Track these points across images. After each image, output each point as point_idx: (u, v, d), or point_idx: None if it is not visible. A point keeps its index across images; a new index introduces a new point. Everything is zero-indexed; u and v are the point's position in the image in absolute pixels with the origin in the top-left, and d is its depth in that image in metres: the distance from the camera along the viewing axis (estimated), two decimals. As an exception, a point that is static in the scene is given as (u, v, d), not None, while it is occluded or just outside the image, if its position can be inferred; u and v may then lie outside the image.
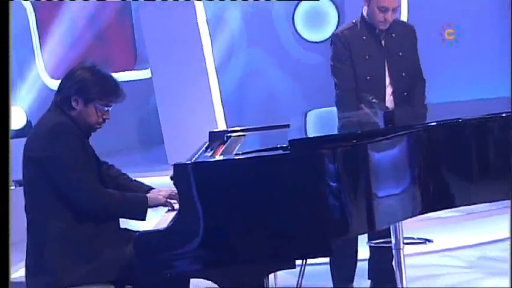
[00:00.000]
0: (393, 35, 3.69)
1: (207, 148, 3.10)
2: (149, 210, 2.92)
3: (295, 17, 7.32)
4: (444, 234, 4.69)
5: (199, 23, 6.10)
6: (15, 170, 2.74)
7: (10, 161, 2.51)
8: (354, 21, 3.77)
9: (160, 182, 3.48)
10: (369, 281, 3.95)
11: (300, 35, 7.33)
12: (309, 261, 3.00)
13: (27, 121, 6.52)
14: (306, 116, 3.48)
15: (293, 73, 7.15)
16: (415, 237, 3.72)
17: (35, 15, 7.41)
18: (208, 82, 6.15)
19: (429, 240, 3.77)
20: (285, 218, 2.46)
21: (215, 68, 6.25)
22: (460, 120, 2.82)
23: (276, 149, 2.58)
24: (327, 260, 3.75)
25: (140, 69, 7.84)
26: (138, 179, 3.18)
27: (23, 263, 2.86)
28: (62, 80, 2.90)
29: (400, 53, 3.68)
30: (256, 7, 7.07)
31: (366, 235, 3.73)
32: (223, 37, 6.85)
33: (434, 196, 2.78)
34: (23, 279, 2.87)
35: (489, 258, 4.48)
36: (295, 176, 2.47)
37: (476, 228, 4.90)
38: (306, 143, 2.57)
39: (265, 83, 7.14)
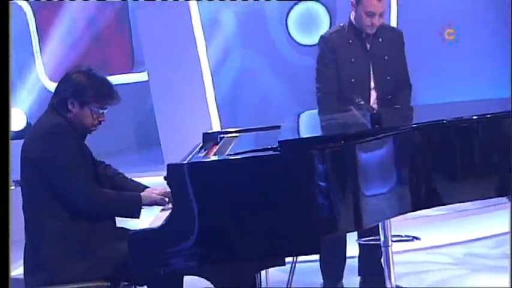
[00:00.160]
0: (380, 39, 3.69)
1: (200, 149, 3.11)
2: (146, 209, 2.94)
3: (288, 21, 7.32)
4: (431, 231, 4.69)
5: (194, 26, 6.10)
6: (15, 170, 2.75)
7: (10, 161, 2.52)
8: (341, 24, 3.78)
9: (157, 181, 3.48)
10: (359, 278, 3.96)
11: (293, 38, 7.34)
12: (300, 258, 3.03)
13: (27, 123, 6.52)
14: (298, 117, 3.50)
15: (286, 75, 7.16)
16: (403, 234, 3.74)
17: (35, 19, 7.41)
18: (203, 85, 6.16)
19: (417, 238, 3.79)
20: (275, 216, 2.47)
21: (210, 71, 6.26)
22: (445, 122, 2.83)
23: (267, 149, 2.59)
24: (317, 257, 3.76)
25: (137, 72, 7.84)
26: (136, 179, 3.19)
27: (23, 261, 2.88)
28: (58, 83, 2.91)
29: (386, 57, 3.68)
30: (250, 10, 7.07)
31: (355, 233, 3.75)
32: (217, 40, 6.86)
33: (421, 195, 2.79)
34: (23, 276, 2.89)
35: (475, 255, 4.49)
36: (285, 176, 2.48)
37: (463, 226, 4.90)
38: (295, 144, 2.57)
39: (259, 86, 7.15)
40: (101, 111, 2.86)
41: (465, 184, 2.85)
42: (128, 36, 8.30)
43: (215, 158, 2.76)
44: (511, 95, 5.54)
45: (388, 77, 3.67)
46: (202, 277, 2.54)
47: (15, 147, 2.77)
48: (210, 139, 3.25)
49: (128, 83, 7.80)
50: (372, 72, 3.68)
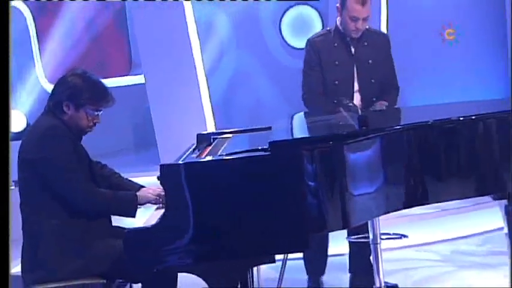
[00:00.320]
0: (365, 43, 3.70)
1: (194, 149, 3.12)
2: (142, 208, 2.94)
3: (282, 25, 7.33)
4: (419, 229, 4.70)
5: (189, 30, 6.11)
6: (15, 170, 2.77)
7: (10, 162, 2.52)
8: (328, 28, 3.81)
9: (154, 181, 3.49)
10: (349, 275, 3.96)
11: (286, 41, 7.35)
12: (290, 256, 3.04)
13: (26, 124, 6.51)
14: (291, 119, 3.51)
15: (279, 78, 7.16)
16: (391, 233, 3.76)
17: (35, 23, 7.41)
18: (198, 87, 6.16)
19: (404, 236, 3.81)
20: (266, 215, 2.47)
21: (205, 74, 6.26)
22: (430, 123, 2.84)
23: (258, 150, 2.60)
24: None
25: (135, 75, 7.85)
26: (134, 179, 3.19)
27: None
28: (54, 86, 2.92)
29: (370, 61, 3.69)
30: (245, 14, 7.08)
31: (345, 231, 3.76)
32: (212, 44, 6.86)
33: (407, 194, 2.80)
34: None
35: (462, 252, 4.49)
36: (275, 176, 2.48)
37: (450, 224, 4.91)
38: (285, 145, 2.58)
39: (252, 88, 7.16)
40: (96, 113, 2.87)
41: (450, 183, 2.86)
42: (125, 39, 8.31)
43: (207, 158, 2.76)
44: (511, 94, 5.55)
45: (372, 80, 3.68)
46: (194, 274, 2.54)
47: (15, 148, 2.77)
48: (203, 140, 3.25)
49: (126, 86, 7.82)
50: (356, 75, 3.69)
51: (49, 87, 7.18)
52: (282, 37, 7.33)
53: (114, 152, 7.33)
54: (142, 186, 3.07)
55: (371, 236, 3.50)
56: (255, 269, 3.03)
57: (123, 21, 8.22)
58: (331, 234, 2.82)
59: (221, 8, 6.83)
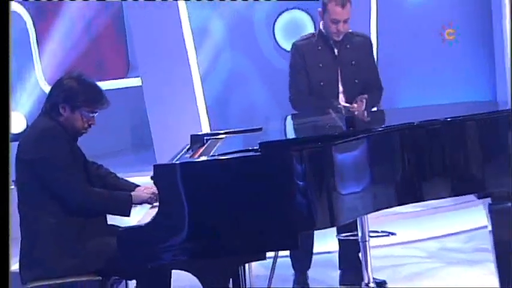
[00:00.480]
0: (348, 45, 3.72)
1: (188, 150, 3.12)
2: (139, 207, 2.94)
3: (275, 28, 7.34)
4: (407, 227, 4.71)
5: (184, 34, 6.12)
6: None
7: (10, 162, 2.53)
8: (312, 32, 3.83)
9: (151, 181, 3.49)
10: (339, 271, 3.97)
11: (279, 45, 7.35)
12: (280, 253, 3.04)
13: (26, 125, 6.50)
14: (283, 120, 3.52)
15: (273, 80, 7.15)
16: (380, 230, 3.77)
17: (34, 27, 7.40)
18: (193, 89, 6.17)
19: (392, 233, 3.82)
20: (256, 214, 2.47)
21: (200, 77, 6.27)
22: (415, 124, 2.85)
23: (248, 150, 2.60)
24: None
25: (133, 77, 7.84)
26: (133, 178, 3.19)
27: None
28: (51, 88, 2.92)
29: (353, 62, 3.70)
30: (239, 18, 7.08)
31: (333, 229, 3.77)
32: (207, 47, 6.86)
33: (393, 193, 2.81)
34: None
35: (448, 249, 4.50)
36: (265, 176, 2.49)
37: (437, 222, 4.92)
38: (274, 145, 2.58)
39: (246, 90, 7.15)
40: (91, 115, 2.87)
41: (434, 183, 2.87)
42: (123, 42, 8.31)
43: (199, 158, 2.77)
44: (511, 94, 5.54)
45: (356, 81, 3.70)
46: (187, 271, 2.54)
47: (15, 149, 2.78)
48: (197, 141, 3.26)
49: (124, 88, 7.82)
50: (340, 76, 3.71)
51: (48, 89, 7.17)
52: (276, 40, 7.34)
53: (114, 152, 7.34)
54: (138, 186, 3.07)
55: (360, 234, 3.51)
56: (246, 266, 3.03)
57: (121, 24, 8.22)
58: (319, 232, 2.82)
59: (216, 11, 6.82)
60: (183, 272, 2.56)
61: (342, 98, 3.69)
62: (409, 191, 2.83)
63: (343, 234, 3.73)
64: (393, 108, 4.07)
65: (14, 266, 3.25)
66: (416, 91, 6.32)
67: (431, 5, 6.54)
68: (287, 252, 3.76)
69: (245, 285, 2.91)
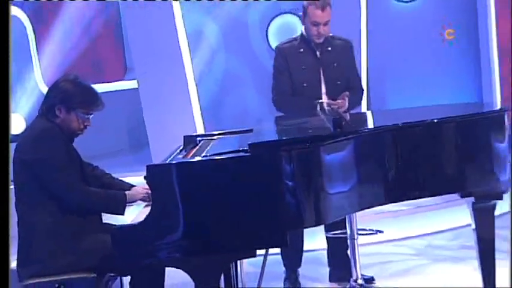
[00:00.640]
0: (329, 48, 3.74)
1: (181, 151, 3.13)
2: (134, 205, 2.95)
3: (268, 33, 7.35)
4: (394, 225, 4.72)
5: (179, 38, 6.12)
6: (14, 171, 2.77)
7: (10, 162, 2.54)
8: (295, 36, 3.83)
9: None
10: (328, 269, 3.98)
11: (272, 48, 7.35)
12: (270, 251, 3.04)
13: (26, 126, 6.48)
14: (275, 121, 3.54)
15: (266, 82, 7.16)
16: (368, 228, 3.78)
17: (33, 31, 7.40)
18: (188, 92, 6.18)
19: (380, 231, 3.83)
20: (246, 213, 2.49)
21: (194, 80, 6.27)
22: (400, 125, 2.87)
23: (238, 151, 2.61)
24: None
25: (130, 80, 7.85)
26: (130, 178, 3.21)
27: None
28: (47, 91, 2.93)
29: (335, 64, 3.72)
30: (234, 23, 7.08)
31: (323, 227, 3.78)
32: (202, 50, 6.87)
33: (379, 193, 2.83)
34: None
35: (434, 246, 4.52)
36: (254, 175, 2.50)
37: (423, 220, 4.93)
38: (264, 146, 2.60)
39: (240, 92, 7.16)
40: (87, 116, 2.88)
41: (417, 183, 2.89)
42: (121, 45, 8.32)
43: (191, 159, 2.78)
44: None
45: (338, 82, 3.71)
46: (180, 268, 2.55)
47: (15, 149, 2.79)
48: (190, 142, 3.26)
49: (122, 90, 7.82)
50: (322, 77, 3.72)
51: (47, 92, 7.17)
52: (269, 44, 7.35)
53: (113, 153, 7.35)
54: (133, 186, 3.08)
55: (348, 232, 3.53)
56: (238, 266, 3.04)
57: (118, 28, 8.22)
58: (309, 230, 2.83)
59: (210, 15, 6.83)
60: (176, 269, 2.56)
61: (325, 99, 3.70)
62: (393, 191, 2.85)
63: (332, 233, 3.74)
64: (381, 110, 4.09)
65: (14, 263, 3.26)
66: (416, 91, 6.27)
67: (431, 5, 6.45)
68: (278, 250, 3.77)
69: (237, 285, 2.93)
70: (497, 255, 3.14)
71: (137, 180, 3.23)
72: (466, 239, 4.35)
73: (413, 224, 4.88)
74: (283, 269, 3.92)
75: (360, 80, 3.85)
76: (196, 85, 6.29)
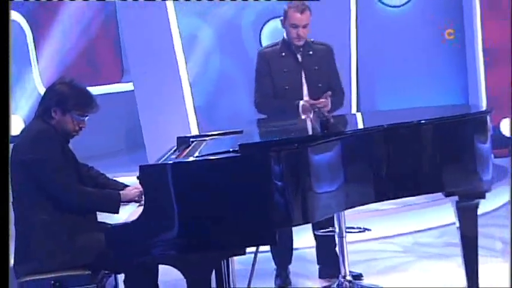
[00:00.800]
0: (310, 52, 3.75)
1: (174, 151, 3.13)
2: (130, 204, 2.95)
3: (261, 36, 7.36)
4: (382, 223, 4.71)
5: (174, 41, 6.13)
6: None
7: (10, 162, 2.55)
8: (277, 41, 3.84)
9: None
10: (318, 266, 3.99)
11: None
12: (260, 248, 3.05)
13: (23, 128, 6.46)
14: (265, 123, 3.55)
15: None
16: (356, 226, 3.80)
17: (32, 34, 7.41)
18: (183, 94, 6.20)
19: (368, 229, 3.85)
20: (236, 212, 2.50)
21: (189, 82, 6.29)
22: (385, 126, 2.89)
23: (229, 152, 2.62)
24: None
25: (126, 82, 7.85)
26: (127, 178, 3.22)
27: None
28: (44, 93, 2.94)
29: (316, 67, 3.73)
30: (228, 26, 7.09)
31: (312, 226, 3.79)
32: (196, 53, 6.88)
33: (365, 192, 2.84)
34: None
35: (421, 243, 4.53)
36: (244, 175, 2.51)
37: (410, 218, 4.92)
38: (253, 147, 2.61)
39: (233, 94, 7.17)
40: (82, 118, 2.88)
41: (401, 182, 2.91)
42: (117, 48, 8.32)
43: (183, 159, 2.79)
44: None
45: (319, 84, 3.72)
46: (172, 266, 2.56)
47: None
48: (183, 142, 3.27)
49: (120, 92, 7.82)
50: (304, 80, 3.74)
51: (46, 93, 7.17)
52: (262, 46, 7.35)
53: (110, 153, 7.35)
54: (127, 186, 3.09)
55: (337, 230, 3.54)
56: (230, 266, 3.05)
57: (116, 31, 8.23)
58: (300, 228, 2.84)
59: (205, 18, 6.84)
60: (170, 267, 2.57)
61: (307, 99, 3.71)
62: (379, 190, 2.86)
63: (321, 231, 3.75)
64: (369, 111, 4.11)
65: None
66: (416, 91, 6.25)
67: (431, 5, 6.42)
68: (268, 248, 3.78)
69: (229, 285, 2.94)
70: (480, 252, 3.17)
71: (133, 181, 3.23)
72: (451, 237, 4.35)
73: (400, 222, 4.88)
74: (274, 266, 3.93)
75: (341, 84, 3.85)
76: (190, 87, 6.30)
